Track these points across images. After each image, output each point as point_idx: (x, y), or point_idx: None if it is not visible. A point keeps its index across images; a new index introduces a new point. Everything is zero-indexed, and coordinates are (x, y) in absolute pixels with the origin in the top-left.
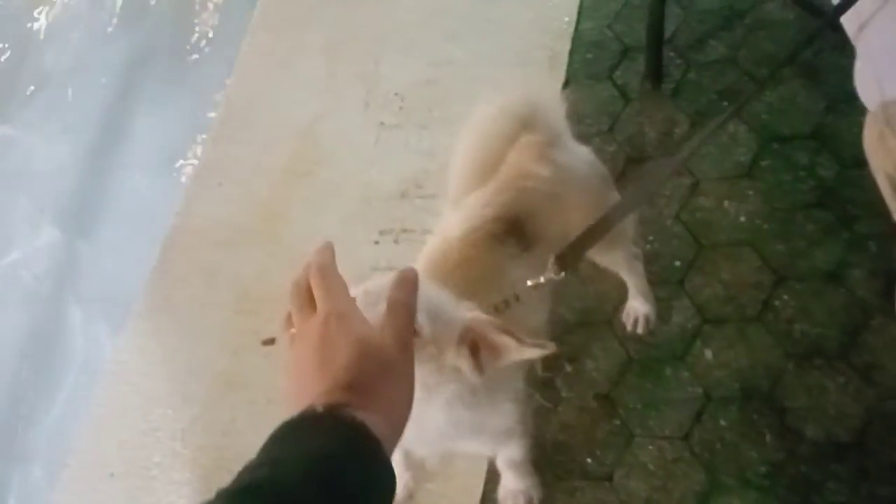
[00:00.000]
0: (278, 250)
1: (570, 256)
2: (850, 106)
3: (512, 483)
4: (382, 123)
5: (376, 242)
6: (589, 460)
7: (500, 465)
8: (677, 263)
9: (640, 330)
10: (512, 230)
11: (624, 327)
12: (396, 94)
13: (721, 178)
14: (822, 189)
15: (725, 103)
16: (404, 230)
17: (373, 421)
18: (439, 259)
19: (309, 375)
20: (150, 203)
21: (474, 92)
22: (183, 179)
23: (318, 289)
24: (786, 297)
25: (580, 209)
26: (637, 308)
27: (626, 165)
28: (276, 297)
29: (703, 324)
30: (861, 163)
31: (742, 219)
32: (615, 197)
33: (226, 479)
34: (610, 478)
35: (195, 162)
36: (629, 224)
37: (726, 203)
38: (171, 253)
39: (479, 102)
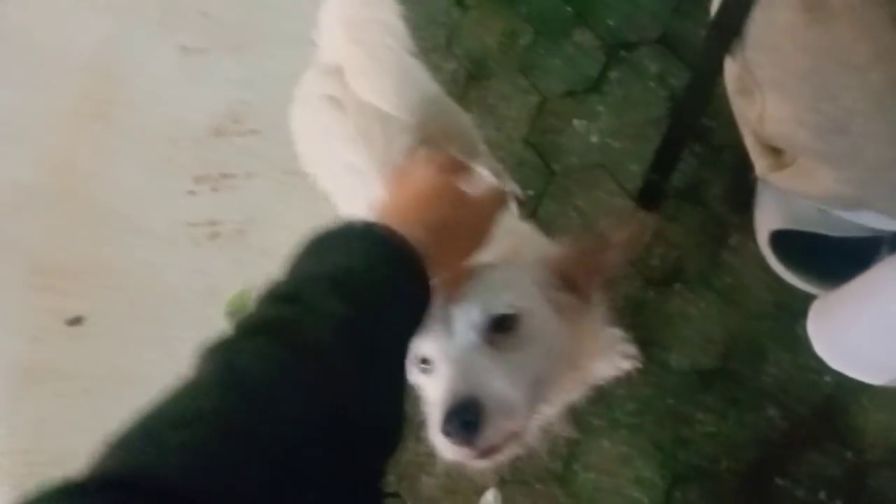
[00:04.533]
0: (75, 210)
1: None
2: (694, 5)
3: None
4: (185, 47)
5: (192, 192)
6: None
7: None
8: (530, 192)
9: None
10: None
11: None
12: (199, 10)
13: (569, 94)
14: (674, 100)
15: (570, 8)
16: (224, 175)
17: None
18: None
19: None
20: None
21: (293, 3)
22: None
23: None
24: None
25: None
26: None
27: (468, 84)
28: (78, 268)
29: None
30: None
31: (594, 139)
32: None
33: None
34: None
35: None
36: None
37: (576, 122)
38: None
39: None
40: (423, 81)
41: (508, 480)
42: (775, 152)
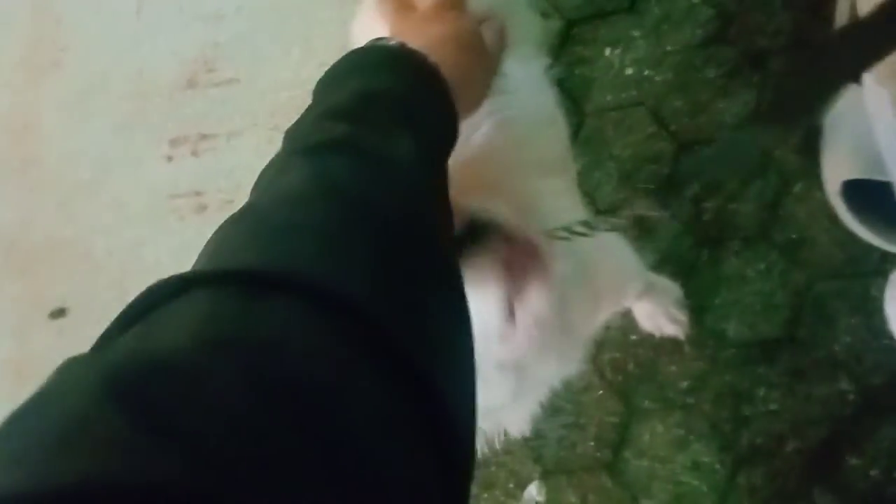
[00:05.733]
0: (43, 179)
1: None
2: None
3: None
4: None
5: (169, 158)
6: None
7: None
8: None
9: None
10: None
11: None
12: None
13: (597, 16)
14: (723, 17)
15: None
16: (204, 136)
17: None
18: None
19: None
20: None
21: None
22: None
23: None
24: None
25: None
26: None
27: None
28: (52, 250)
29: (597, 215)
30: None
31: (629, 70)
32: None
33: None
34: None
35: None
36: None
37: (607, 51)
38: None
39: None
40: None
41: (552, 471)
42: None
